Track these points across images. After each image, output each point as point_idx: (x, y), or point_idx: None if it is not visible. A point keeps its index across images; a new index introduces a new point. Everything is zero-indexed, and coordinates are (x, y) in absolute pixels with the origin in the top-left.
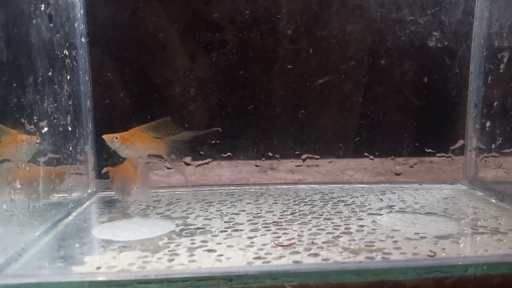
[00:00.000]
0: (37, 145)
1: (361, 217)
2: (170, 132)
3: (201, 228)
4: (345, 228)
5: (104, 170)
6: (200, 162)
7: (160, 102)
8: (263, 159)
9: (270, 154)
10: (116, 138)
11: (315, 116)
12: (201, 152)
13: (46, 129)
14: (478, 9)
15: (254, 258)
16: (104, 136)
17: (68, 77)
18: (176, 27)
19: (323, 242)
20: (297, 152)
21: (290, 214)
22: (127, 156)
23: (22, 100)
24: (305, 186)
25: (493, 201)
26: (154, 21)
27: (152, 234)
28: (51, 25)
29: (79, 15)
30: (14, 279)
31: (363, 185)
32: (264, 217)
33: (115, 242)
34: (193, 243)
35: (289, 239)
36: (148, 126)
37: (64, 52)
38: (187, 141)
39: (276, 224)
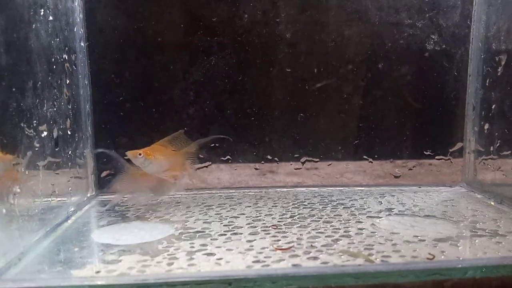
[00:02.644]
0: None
1: (360, 220)
2: (183, 144)
3: (200, 231)
4: (344, 231)
5: None
6: (200, 165)
7: (159, 106)
8: (262, 162)
9: (269, 157)
10: (140, 154)
11: (314, 119)
12: (200, 156)
13: (45, 133)
14: (475, 12)
15: (254, 262)
16: (128, 153)
17: (68, 81)
18: (175, 31)
19: (322, 245)
20: (296, 155)
21: (290, 217)
22: (150, 171)
23: (22, 104)
24: (304, 189)
25: (492, 203)
26: (153, 25)
27: (152, 237)
28: (50, 29)
29: (78, 20)
30: (14, 283)
31: (362, 188)
32: (264, 220)
33: (115, 246)
34: (193, 247)
35: (288, 243)
36: (166, 140)
37: (64, 56)
38: (197, 149)
39: (275, 227)
